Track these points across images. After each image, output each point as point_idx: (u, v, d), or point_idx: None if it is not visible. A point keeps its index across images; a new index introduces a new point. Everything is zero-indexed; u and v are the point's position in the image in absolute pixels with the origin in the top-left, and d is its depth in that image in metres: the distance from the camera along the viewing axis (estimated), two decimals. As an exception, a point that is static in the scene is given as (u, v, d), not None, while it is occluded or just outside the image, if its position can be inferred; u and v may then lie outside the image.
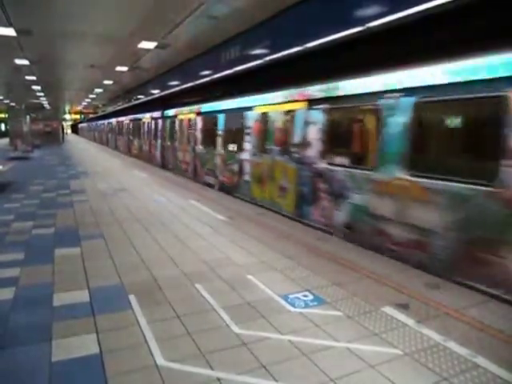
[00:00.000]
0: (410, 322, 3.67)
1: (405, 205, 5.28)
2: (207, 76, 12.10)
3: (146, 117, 21.41)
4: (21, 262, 5.19)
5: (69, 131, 72.90)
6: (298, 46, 7.64)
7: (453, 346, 3.28)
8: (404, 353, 3.18)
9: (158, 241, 6.14)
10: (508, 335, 3.43)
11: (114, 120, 32.64)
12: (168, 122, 17.26)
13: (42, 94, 27.02)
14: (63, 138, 42.50)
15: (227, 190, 11.00)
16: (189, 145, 14.41)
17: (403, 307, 3.96)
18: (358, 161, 6.34)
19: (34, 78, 18.63)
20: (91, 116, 49.25)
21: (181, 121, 15.37)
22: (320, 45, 7.10)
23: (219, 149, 11.50)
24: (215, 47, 11.01)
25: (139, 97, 21.92)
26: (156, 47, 11.41)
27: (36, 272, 4.87)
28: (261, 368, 2.98)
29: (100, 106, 38.03)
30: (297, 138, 7.73)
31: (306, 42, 7.37)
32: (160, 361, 3.05)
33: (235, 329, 3.54)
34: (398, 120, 5.41)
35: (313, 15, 7.21)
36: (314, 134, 7.22)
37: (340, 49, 6.99)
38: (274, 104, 8.65)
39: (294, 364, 3.03)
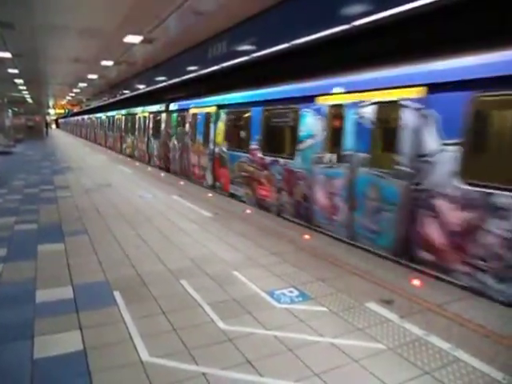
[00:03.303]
0: (394, 317, 3.73)
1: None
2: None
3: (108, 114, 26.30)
4: (3, 259, 5.10)
5: (53, 126, 71.66)
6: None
7: (435, 340, 3.34)
8: (387, 347, 3.23)
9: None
10: (488, 330, 3.51)
11: (86, 116, 38.59)
12: (127, 118, 21.11)
13: (24, 87, 26.47)
14: (47, 132, 41.84)
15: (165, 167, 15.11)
16: (144, 136, 17.99)
17: (387, 303, 4.01)
18: (239, 146, 9.70)
19: (16, 71, 18.23)
20: (75, 111, 48.60)
21: (142, 117, 18.27)
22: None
23: (173, 139, 14.60)
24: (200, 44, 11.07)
25: (124, 92, 21.88)
26: (142, 42, 11.29)
27: (18, 268, 4.79)
28: (246, 363, 2.99)
29: (84, 100, 37.48)
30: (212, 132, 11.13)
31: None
32: (145, 357, 3.04)
33: (221, 325, 3.55)
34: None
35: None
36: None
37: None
38: (200, 107, 11.96)
39: (279, 359, 3.06)
